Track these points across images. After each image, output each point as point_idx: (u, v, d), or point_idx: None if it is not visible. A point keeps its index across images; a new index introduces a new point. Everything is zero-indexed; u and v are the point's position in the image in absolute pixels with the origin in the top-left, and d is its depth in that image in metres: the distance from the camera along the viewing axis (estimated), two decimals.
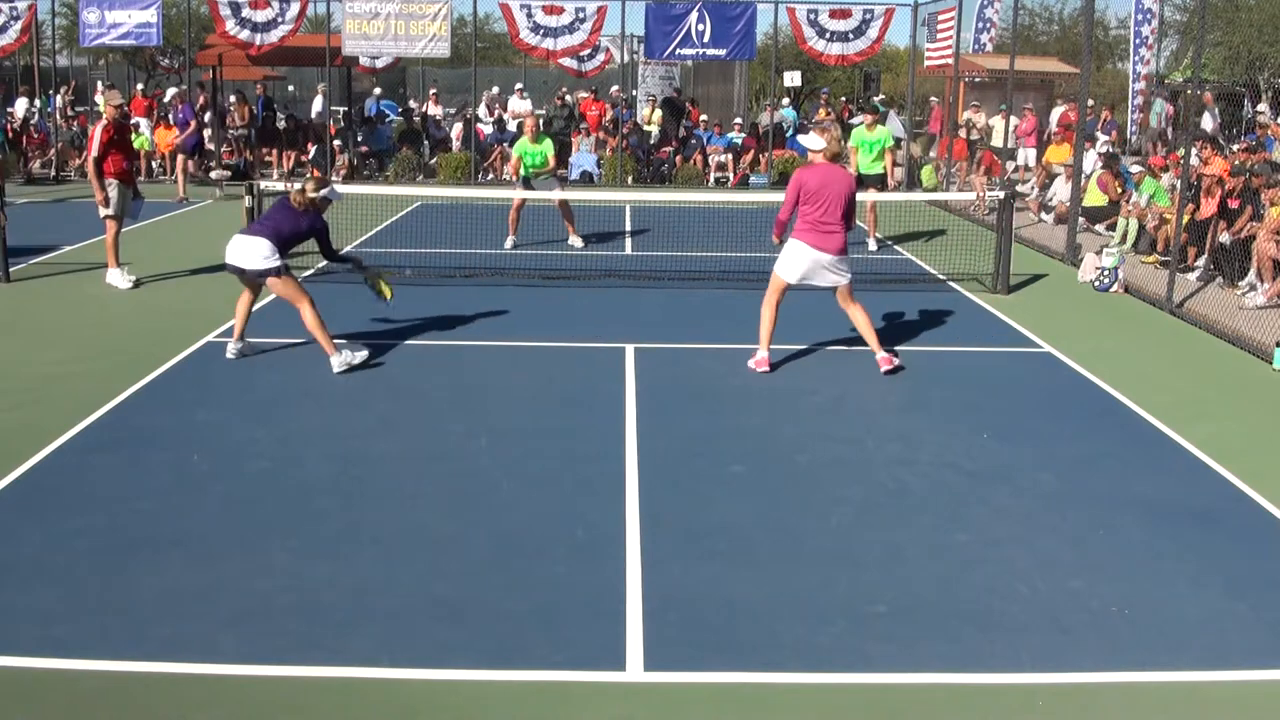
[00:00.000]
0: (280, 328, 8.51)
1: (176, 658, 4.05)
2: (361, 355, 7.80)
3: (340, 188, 8.76)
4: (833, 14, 19.38)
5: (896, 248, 13.68)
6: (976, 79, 21.89)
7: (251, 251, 7.59)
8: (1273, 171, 11.08)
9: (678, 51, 19.70)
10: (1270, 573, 4.91)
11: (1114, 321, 9.90)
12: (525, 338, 8.75)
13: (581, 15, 19.24)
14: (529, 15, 19.29)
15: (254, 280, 7.78)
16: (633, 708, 3.86)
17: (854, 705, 3.91)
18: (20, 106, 21.27)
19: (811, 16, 19.40)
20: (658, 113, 22.15)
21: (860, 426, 6.80)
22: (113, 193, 10.45)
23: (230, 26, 19.07)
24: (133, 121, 16.97)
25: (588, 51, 21.18)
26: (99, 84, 24.47)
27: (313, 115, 22.14)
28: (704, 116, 22.24)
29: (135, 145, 16.13)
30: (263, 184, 10.91)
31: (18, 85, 23.81)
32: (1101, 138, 17.95)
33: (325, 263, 8.48)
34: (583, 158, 20.42)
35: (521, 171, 12.77)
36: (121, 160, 10.59)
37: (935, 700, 3.95)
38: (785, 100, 24.70)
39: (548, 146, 12.85)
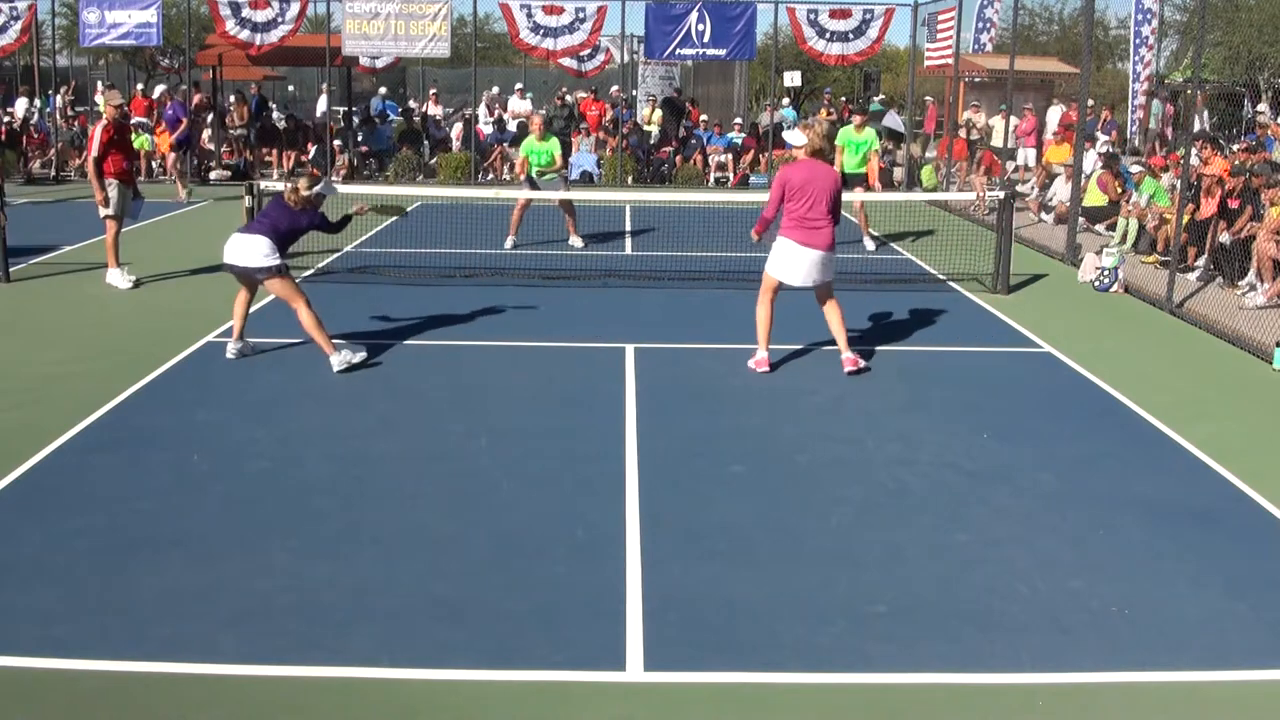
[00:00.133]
0: (280, 328, 8.51)
1: (176, 658, 4.05)
2: (360, 355, 7.81)
3: (340, 187, 8.76)
4: (833, 14, 19.37)
5: (896, 248, 13.68)
6: (976, 79, 21.90)
7: (251, 250, 7.59)
8: (1273, 171, 11.08)
9: (678, 51, 19.69)
10: (1270, 573, 4.91)
11: (1114, 321, 9.90)
12: (525, 338, 8.75)
13: (581, 15, 19.23)
14: (529, 15, 19.28)
15: (252, 279, 7.78)
16: (633, 708, 3.86)
17: (854, 705, 3.91)
18: (20, 106, 21.27)
19: (811, 16, 19.40)
20: (658, 113, 22.14)
21: (860, 426, 6.79)
22: (113, 193, 10.45)
23: (230, 26, 19.06)
24: (135, 122, 16.96)
25: (588, 51, 21.18)
26: (99, 84, 24.45)
27: (318, 115, 22.13)
28: (704, 116, 22.26)
29: (135, 145, 16.13)
30: (262, 184, 10.91)
31: (18, 85, 23.82)
32: (1101, 138, 17.94)
33: (324, 263, 8.48)
34: (583, 158, 20.40)
35: (528, 171, 12.77)
36: (121, 160, 10.59)
37: (935, 700, 3.95)
38: (785, 100, 24.71)
39: (554, 145, 12.85)
